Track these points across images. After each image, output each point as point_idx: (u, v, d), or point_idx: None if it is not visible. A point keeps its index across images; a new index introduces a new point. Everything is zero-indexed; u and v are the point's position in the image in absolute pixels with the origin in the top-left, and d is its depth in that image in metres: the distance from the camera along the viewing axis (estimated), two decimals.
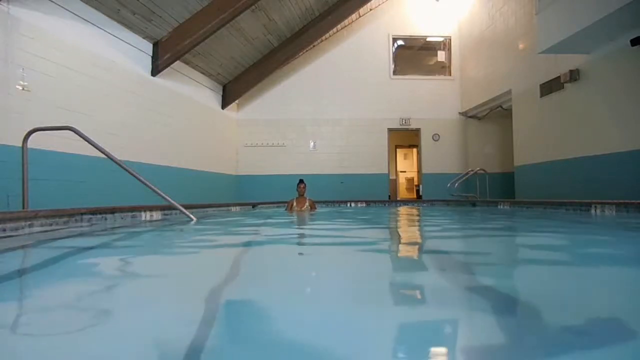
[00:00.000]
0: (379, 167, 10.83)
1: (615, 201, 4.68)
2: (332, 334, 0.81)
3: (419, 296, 1.16)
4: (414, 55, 11.73)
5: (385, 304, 1.06)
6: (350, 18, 10.48)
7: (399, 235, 2.96)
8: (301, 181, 6.82)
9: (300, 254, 2.23)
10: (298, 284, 1.36)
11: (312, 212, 6.25)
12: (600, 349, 0.72)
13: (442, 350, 0.75)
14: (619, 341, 0.76)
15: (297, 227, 3.87)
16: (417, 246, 2.39)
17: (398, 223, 4.16)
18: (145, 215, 4.54)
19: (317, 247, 2.44)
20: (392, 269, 1.67)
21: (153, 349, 0.76)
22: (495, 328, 0.81)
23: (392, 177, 13.04)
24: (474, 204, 8.41)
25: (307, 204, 6.67)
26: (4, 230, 2.88)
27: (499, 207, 7.07)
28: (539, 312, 0.93)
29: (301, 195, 6.76)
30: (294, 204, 6.70)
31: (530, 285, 1.28)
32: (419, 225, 3.93)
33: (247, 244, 2.45)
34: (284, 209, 7.08)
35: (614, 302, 1.08)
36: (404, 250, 2.21)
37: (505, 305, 1.01)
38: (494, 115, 9.77)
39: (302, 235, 3.11)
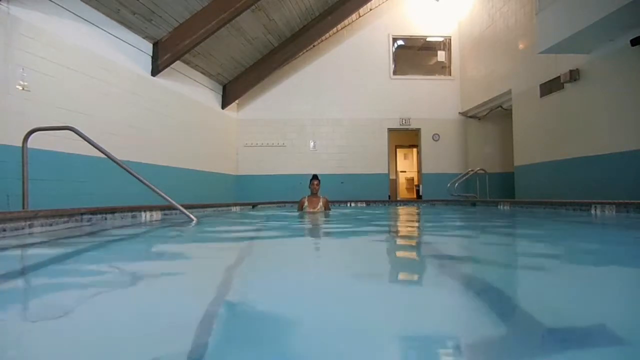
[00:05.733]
0: (379, 167, 10.83)
1: (615, 201, 4.68)
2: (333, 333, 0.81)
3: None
4: (414, 55, 11.73)
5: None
6: (350, 18, 10.48)
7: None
8: (315, 177, 5.82)
9: (302, 253, 2.23)
10: (301, 284, 1.36)
11: (327, 212, 5.64)
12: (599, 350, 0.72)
13: (443, 349, 0.75)
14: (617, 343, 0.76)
15: (304, 226, 3.86)
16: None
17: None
18: (145, 215, 4.54)
19: (320, 246, 2.43)
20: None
21: (153, 350, 0.76)
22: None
23: (392, 177, 13.05)
24: (474, 204, 8.40)
25: (320, 203, 5.75)
26: (4, 230, 2.88)
27: (498, 207, 7.06)
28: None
29: (314, 193, 5.80)
30: (306, 203, 5.80)
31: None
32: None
33: (248, 244, 2.45)
34: (296, 209, 6.27)
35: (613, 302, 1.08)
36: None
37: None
38: (494, 115, 9.77)
39: (304, 235, 3.10)
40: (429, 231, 3.32)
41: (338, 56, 10.83)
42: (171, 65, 7.00)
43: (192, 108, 8.24)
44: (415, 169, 14.36)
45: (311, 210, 5.73)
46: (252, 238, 2.79)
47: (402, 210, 7.00)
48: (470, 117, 10.54)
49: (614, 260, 1.78)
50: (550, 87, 7.00)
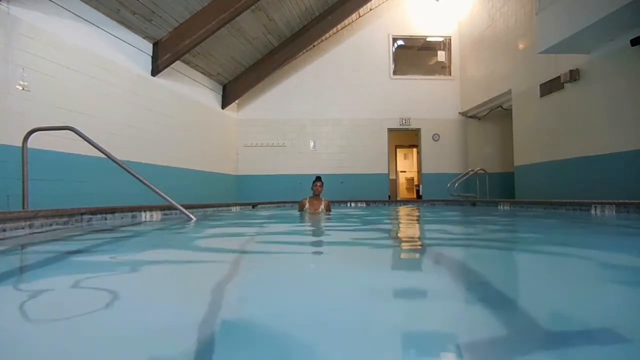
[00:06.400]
0: (379, 167, 10.83)
1: (615, 201, 4.68)
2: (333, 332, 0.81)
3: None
4: (414, 55, 11.73)
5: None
6: (350, 18, 10.49)
7: None
8: (318, 178, 5.61)
9: (302, 253, 2.23)
10: (300, 286, 1.36)
11: (328, 214, 5.49)
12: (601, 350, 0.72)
13: (445, 347, 0.75)
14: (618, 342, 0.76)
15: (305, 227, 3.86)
16: None
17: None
18: (145, 215, 4.55)
19: (319, 247, 2.43)
20: None
21: (150, 352, 0.76)
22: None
23: (392, 177, 13.05)
24: (474, 204, 8.40)
25: (322, 206, 5.61)
26: (4, 230, 2.88)
27: (498, 207, 7.07)
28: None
29: (316, 195, 5.63)
30: (307, 204, 5.66)
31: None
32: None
33: (248, 243, 2.45)
34: (296, 209, 6.11)
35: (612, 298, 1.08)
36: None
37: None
38: (494, 115, 9.77)
39: (304, 235, 3.10)
40: (430, 231, 3.32)
41: (338, 56, 10.83)
42: (171, 65, 7.00)
43: (192, 108, 8.24)
44: (415, 169, 14.35)
45: (312, 211, 5.64)
46: (251, 238, 2.79)
47: (403, 211, 7.00)
48: (470, 117, 10.54)
49: (615, 259, 1.78)
50: (550, 87, 7.00)
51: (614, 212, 4.56)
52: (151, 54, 6.74)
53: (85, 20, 5.34)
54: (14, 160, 3.91)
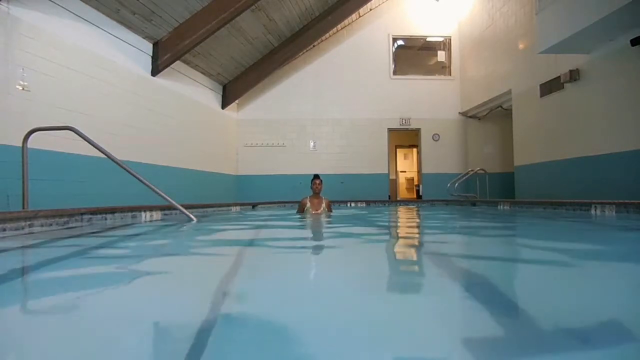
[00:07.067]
0: (379, 167, 10.83)
1: (615, 201, 4.68)
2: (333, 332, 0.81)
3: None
4: (414, 55, 11.73)
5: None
6: (350, 18, 10.49)
7: None
8: (316, 177, 5.60)
9: (302, 253, 2.23)
10: (300, 286, 1.36)
11: (329, 214, 5.45)
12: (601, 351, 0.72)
13: (445, 346, 0.75)
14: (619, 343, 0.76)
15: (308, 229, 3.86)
16: None
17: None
18: (145, 216, 4.55)
19: (320, 247, 2.43)
20: None
21: (149, 352, 0.76)
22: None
23: (392, 177, 13.05)
24: (474, 204, 8.40)
25: (323, 205, 5.57)
26: (4, 230, 2.88)
27: (498, 207, 7.07)
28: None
29: (316, 193, 5.59)
30: (308, 204, 5.57)
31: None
32: None
33: (248, 243, 2.45)
34: (296, 210, 5.96)
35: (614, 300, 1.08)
36: None
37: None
38: (494, 115, 9.77)
39: (304, 235, 3.10)
40: (430, 231, 3.32)
41: (338, 56, 10.83)
42: (171, 65, 7.00)
43: (192, 108, 8.24)
44: (415, 169, 14.35)
45: (314, 211, 5.53)
46: (252, 238, 2.79)
47: (402, 211, 7.00)
48: (470, 117, 10.54)
49: (615, 258, 1.78)
50: (550, 87, 7.00)
51: (614, 212, 4.56)
52: (151, 54, 6.74)
53: (85, 20, 5.34)
54: (14, 160, 3.91)
